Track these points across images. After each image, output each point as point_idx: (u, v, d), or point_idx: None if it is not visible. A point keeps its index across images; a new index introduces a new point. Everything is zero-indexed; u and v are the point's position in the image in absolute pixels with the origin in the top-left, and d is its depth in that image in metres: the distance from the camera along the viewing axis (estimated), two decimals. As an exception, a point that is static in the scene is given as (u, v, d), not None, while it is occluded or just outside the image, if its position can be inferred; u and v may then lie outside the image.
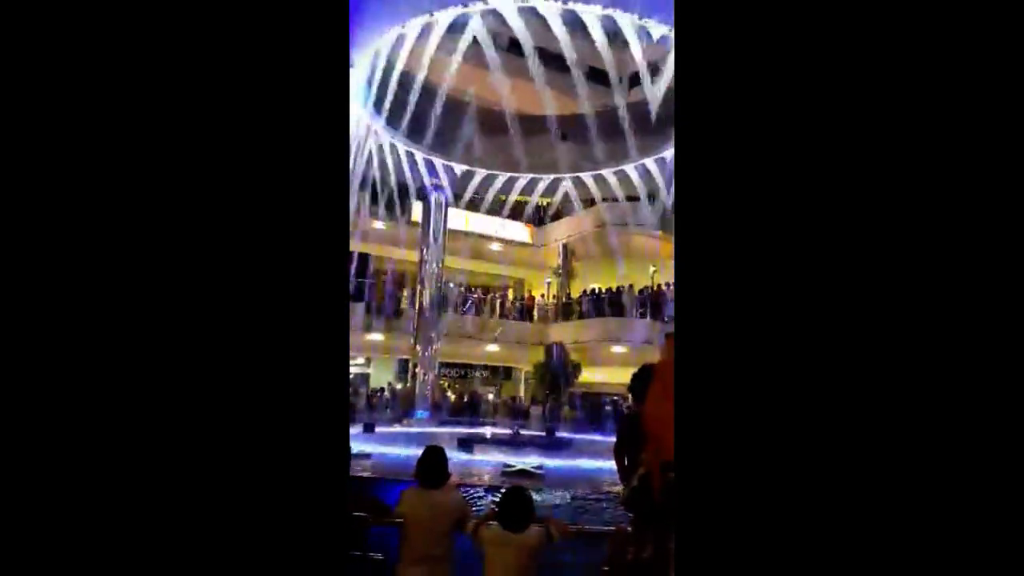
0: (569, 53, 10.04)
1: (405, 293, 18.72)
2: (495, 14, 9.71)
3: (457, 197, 17.29)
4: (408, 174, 15.53)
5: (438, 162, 16.02)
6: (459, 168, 16.40)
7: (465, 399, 19.24)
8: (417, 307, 17.58)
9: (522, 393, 20.94)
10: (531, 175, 16.73)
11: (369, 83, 11.38)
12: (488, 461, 8.72)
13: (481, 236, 20.56)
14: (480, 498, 4.66)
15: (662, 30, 9.52)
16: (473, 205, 19.23)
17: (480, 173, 16.59)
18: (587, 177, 16.48)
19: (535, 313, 20.73)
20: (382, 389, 18.73)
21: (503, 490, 3.14)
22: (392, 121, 13.41)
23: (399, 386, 19.01)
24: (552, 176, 16.78)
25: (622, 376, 17.84)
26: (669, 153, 14.37)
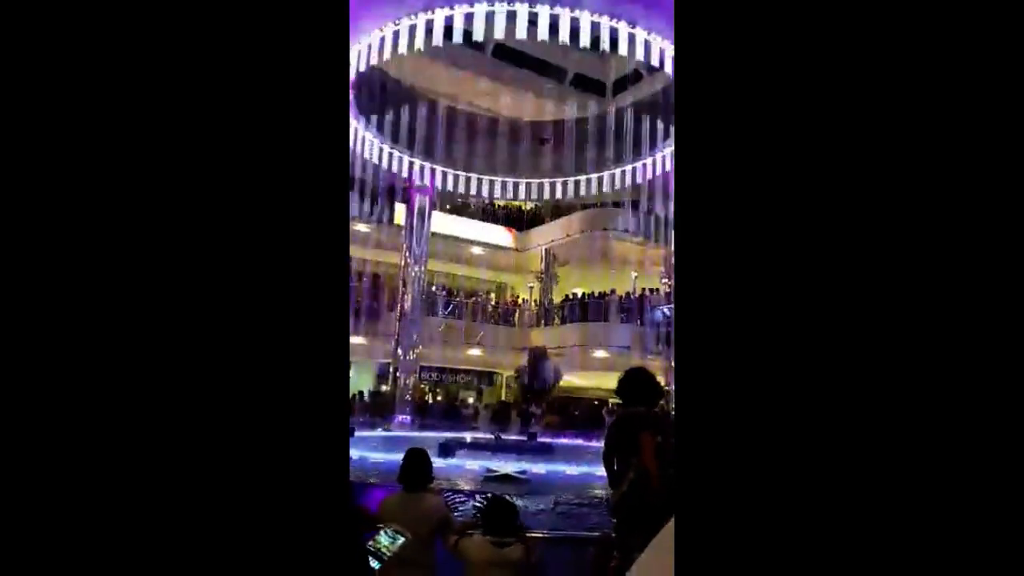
0: (555, 59, 10.09)
1: (386, 296, 18.59)
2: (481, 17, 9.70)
3: (440, 200, 17.25)
4: (391, 177, 15.46)
5: (421, 165, 15.98)
6: (442, 171, 16.37)
7: (446, 403, 19.15)
8: (398, 310, 17.47)
9: (504, 397, 20.91)
10: (514, 179, 16.74)
11: (353, 84, 11.32)
12: (470, 466, 8.66)
13: (464, 240, 20.54)
14: (463, 503, 4.61)
15: (650, 38, 9.59)
16: (456, 209, 19.21)
17: (463, 177, 16.57)
18: (570, 182, 16.53)
19: (517, 317, 20.72)
20: (361, 393, 18.58)
21: (486, 498, 3.10)
22: (376, 123, 13.36)
23: (384, 388, 18.87)
24: (535, 181, 16.80)
25: (604, 381, 18.00)
26: (652, 159, 14.48)
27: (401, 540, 2.41)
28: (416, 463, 3.06)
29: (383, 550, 2.36)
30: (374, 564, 2.32)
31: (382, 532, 2.42)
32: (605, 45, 9.70)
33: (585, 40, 9.51)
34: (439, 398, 20.59)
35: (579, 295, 19.35)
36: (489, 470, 7.84)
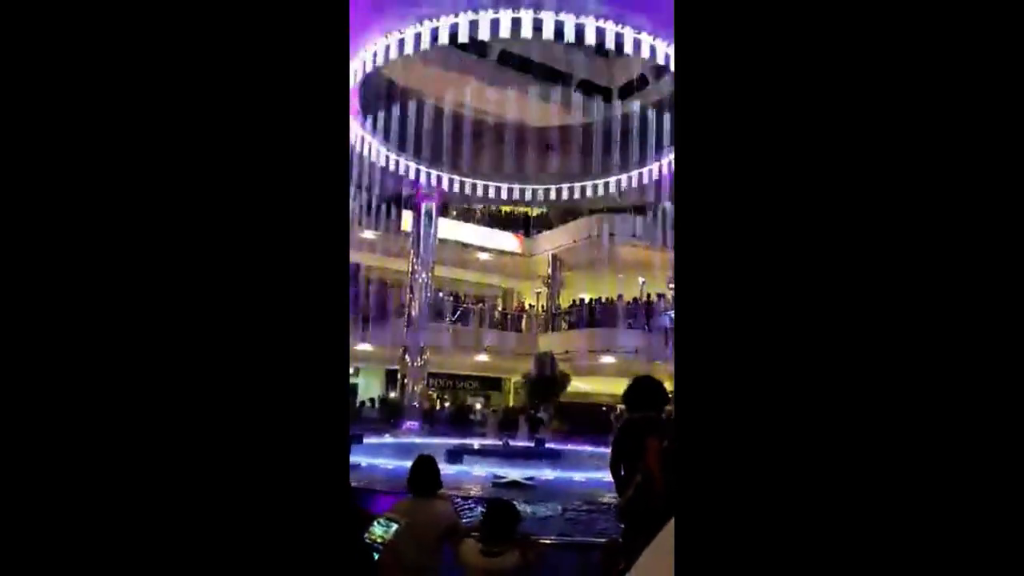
0: (561, 65, 10.11)
1: (394, 303, 18.61)
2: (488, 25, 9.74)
3: (447, 206, 17.27)
4: (398, 183, 15.51)
5: (427, 171, 16.02)
6: (448, 177, 16.41)
7: (454, 410, 19.13)
8: (406, 317, 17.49)
9: (511, 403, 20.87)
10: (521, 185, 16.75)
11: (358, 91, 11.37)
12: (478, 473, 8.65)
13: (470, 246, 20.55)
14: (471, 509, 4.62)
15: (656, 43, 9.61)
16: (463, 215, 19.23)
17: (470, 183, 16.60)
18: (577, 188, 16.53)
19: (524, 323, 20.69)
20: (372, 400, 18.60)
21: (489, 503, 3.10)
22: (382, 130, 13.41)
23: (392, 395, 18.88)
24: (542, 187, 16.81)
25: (611, 386, 17.94)
26: (658, 165, 14.47)
27: (395, 527, 2.42)
28: (424, 469, 3.08)
29: (378, 540, 2.37)
30: (375, 556, 2.33)
31: (376, 522, 2.44)
32: (611, 47, 9.72)
33: (590, 43, 9.54)
34: (447, 404, 20.57)
35: (586, 300, 19.31)
36: (497, 476, 7.82)
